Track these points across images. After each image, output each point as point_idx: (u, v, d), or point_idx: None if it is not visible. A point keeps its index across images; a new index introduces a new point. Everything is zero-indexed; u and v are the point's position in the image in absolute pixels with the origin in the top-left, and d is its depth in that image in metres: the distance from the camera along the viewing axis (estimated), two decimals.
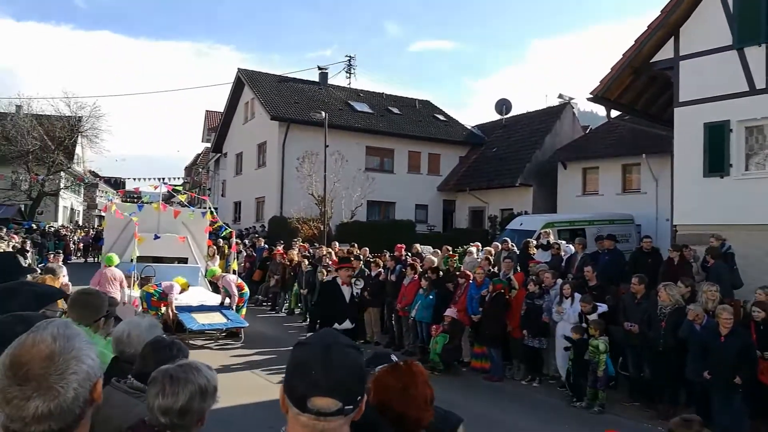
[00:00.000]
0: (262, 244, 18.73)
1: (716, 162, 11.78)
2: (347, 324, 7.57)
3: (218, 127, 34.37)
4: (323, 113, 20.90)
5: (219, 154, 35.77)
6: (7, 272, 3.64)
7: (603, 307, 8.86)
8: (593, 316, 8.54)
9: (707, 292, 7.72)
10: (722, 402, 6.98)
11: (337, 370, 1.48)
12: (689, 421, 1.93)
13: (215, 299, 12.03)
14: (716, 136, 11.80)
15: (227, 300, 11.69)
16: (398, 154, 28.09)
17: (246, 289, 12.44)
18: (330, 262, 13.82)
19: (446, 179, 28.80)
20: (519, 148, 26.08)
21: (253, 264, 17.61)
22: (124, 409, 2.22)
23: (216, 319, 11.09)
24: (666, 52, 12.60)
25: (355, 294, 8.20)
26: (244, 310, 12.19)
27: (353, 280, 8.32)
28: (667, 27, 12.43)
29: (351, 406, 1.50)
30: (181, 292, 11.07)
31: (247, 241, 20.60)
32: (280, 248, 16.06)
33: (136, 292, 11.14)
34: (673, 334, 7.61)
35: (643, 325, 8.08)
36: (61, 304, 3.32)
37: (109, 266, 10.84)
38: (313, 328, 9.08)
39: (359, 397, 1.54)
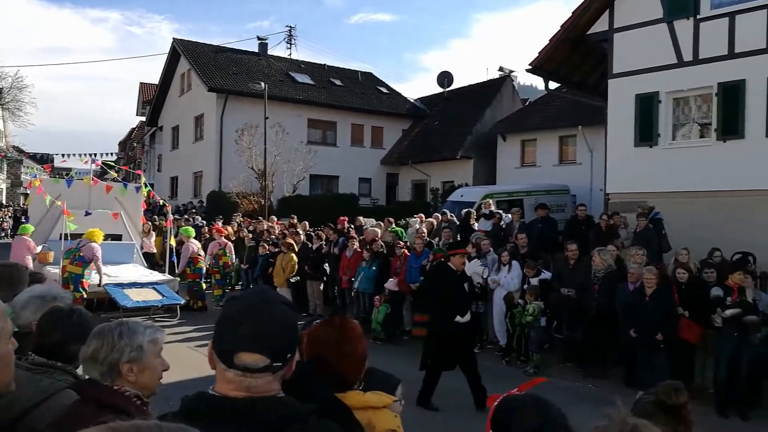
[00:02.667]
0: (200, 220, 18.24)
1: (646, 132, 12.21)
2: (468, 317, 6.82)
3: (153, 100, 32.99)
4: (263, 84, 20.36)
5: (154, 128, 34.41)
6: None
7: (547, 274, 9.11)
8: (534, 281, 8.79)
9: (634, 256, 8.05)
10: (647, 359, 7.35)
11: (265, 326, 1.43)
12: (680, 390, 1.97)
13: (150, 276, 11.67)
14: (646, 107, 12.22)
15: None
16: (341, 126, 27.80)
17: (201, 264, 12.30)
18: (275, 237, 13.66)
19: (389, 152, 28.78)
20: (460, 121, 26.29)
21: None
22: (29, 386, 2.07)
23: (150, 295, 10.75)
24: (601, 25, 12.87)
25: (476, 283, 7.26)
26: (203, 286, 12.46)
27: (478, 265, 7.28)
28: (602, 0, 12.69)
29: (279, 363, 1.45)
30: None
31: (187, 217, 20.00)
32: (218, 224, 15.67)
33: (56, 270, 10.56)
34: (606, 298, 7.92)
35: (578, 290, 8.37)
36: None
37: (24, 235, 10.36)
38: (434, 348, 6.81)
39: (289, 355, 1.49)
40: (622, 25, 12.54)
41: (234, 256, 13.87)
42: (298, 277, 12.09)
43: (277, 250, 12.84)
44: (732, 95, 11.08)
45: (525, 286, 8.80)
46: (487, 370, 8.40)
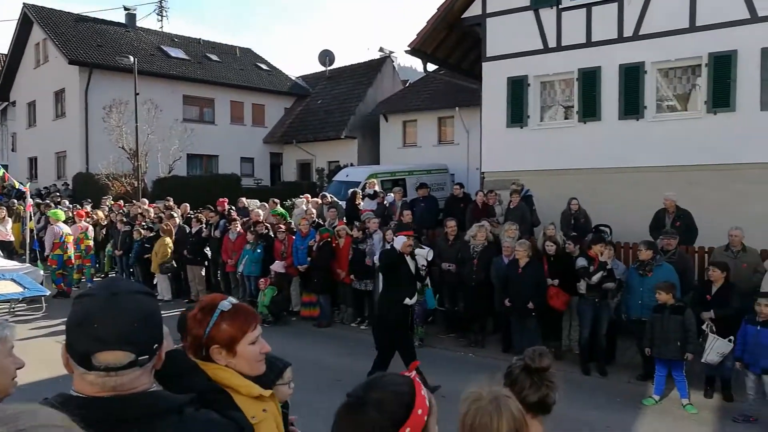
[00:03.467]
0: (66, 204, 16.79)
1: (517, 114, 12.99)
2: (414, 299, 6.76)
3: (2, 72, 29.53)
4: (131, 58, 18.98)
5: (6, 103, 30.90)
6: None
7: (429, 250, 9.43)
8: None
9: (508, 231, 8.59)
10: (520, 326, 7.93)
11: (122, 320, 1.34)
12: (543, 354, 2.15)
13: (7, 266, 10.61)
14: (517, 90, 12.97)
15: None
16: (219, 104, 26.68)
17: (69, 250, 11.41)
18: (150, 220, 12.93)
19: (272, 131, 28.16)
20: (343, 101, 26.31)
21: None
22: None
23: (9, 288, 9.78)
24: (475, 9, 13.39)
25: (421, 266, 6.93)
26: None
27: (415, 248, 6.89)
28: None
29: (147, 356, 1.38)
30: None
31: (48, 201, 18.28)
32: (87, 208, 14.53)
33: None
34: (483, 271, 8.40)
35: (458, 264, 8.80)
36: None
37: None
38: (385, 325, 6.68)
39: (155, 345, 1.42)
40: (494, 11, 13.14)
41: (91, 239, 12.89)
42: (174, 263, 11.61)
43: (152, 234, 12.20)
44: (590, 80, 12.07)
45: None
46: (372, 346, 8.67)
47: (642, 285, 7.07)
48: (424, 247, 8.30)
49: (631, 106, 11.60)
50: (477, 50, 14.26)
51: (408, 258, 6.64)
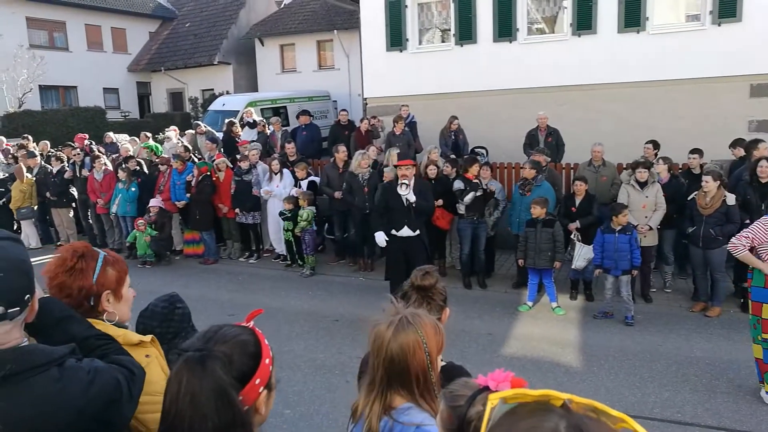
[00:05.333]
0: None
1: (396, 37, 12.87)
2: (406, 231, 6.54)
3: None
4: None
5: None
6: None
7: (315, 178, 9.39)
8: (304, 185, 9.02)
9: (391, 156, 8.69)
10: None
11: None
12: (429, 272, 2.31)
13: None
14: (395, 12, 12.79)
15: None
16: (72, 28, 23.87)
17: None
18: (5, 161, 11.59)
19: (136, 58, 25.84)
20: (214, 23, 24.60)
21: None
22: None
23: None
24: None
25: (411, 201, 6.53)
26: None
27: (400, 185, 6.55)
28: None
29: (17, 308, 1.28)
30: None
31: None
32: None
33: None
34: (373, 197, 8.48)
35: (346, 192, 8.82)
36: None
37: None
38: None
39: (27, 296, 1.31)
40: None
41: None
42: (34, 207, 10.66)
43: (5, 176, 11.01)
44: (465, 2, 12.15)
45: (293, 191, 8.99)
46: (269, 278, 8.67)
47: (521, 203, 7.55)
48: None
49: (505, 28, 11.91)
50: None
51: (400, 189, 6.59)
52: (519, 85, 11.74)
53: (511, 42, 11.90)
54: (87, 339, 1.58)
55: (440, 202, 7.84)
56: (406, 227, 6.58)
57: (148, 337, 1.83)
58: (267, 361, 1.28)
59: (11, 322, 1.27)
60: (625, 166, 8.08)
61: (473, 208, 7.61)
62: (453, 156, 9.46)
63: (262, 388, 1.25)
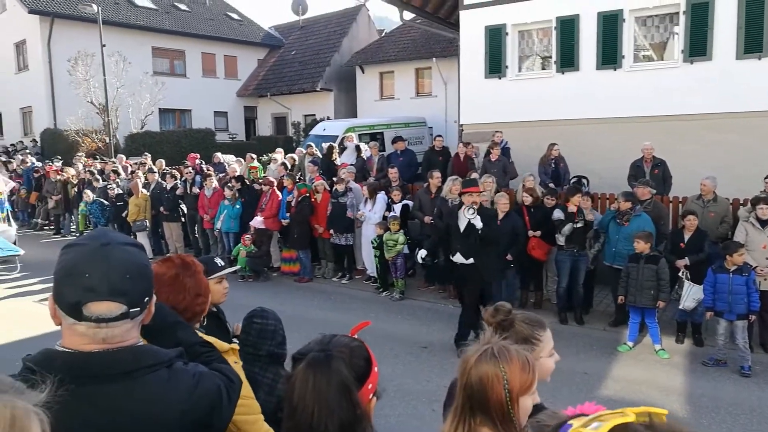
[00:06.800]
0: (33, 162, 16.31)
1: (495, 64, 12.81)
2: (459, 257, 6.44)
3: None
4: (94, 6, 18.15)
5: None
6: None
7: (408, 202, 9.45)
8: (398, 208, 9.08)
9: (485, 183, 8.57)
10: (499, 277, 8.02)
11: (114, 270, 1.31)
12: (498, 309, 2.21)
13: None
14: (495, 39, 12.75)
15: None
16: (190, 56, 25.86)
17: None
18: (126, 177, 12.68)
19: (245, 84, 27.48)
20: (318, 51, 25.68)
21: (25, 185, 15.38)
22: None
23: None
24: None
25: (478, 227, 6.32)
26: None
27: (466, 209, 6.32)
28: None
29: (137, 309, 1.35)
30: None
31: (20, 156, 17.72)
32: (55, 165, 14.15)
33: None
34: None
35: (436, 217, 8.80)
36: None
37: None
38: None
39: (146, 299, 1.39)
40: None
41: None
42: (147, 221, 11.47)
43: (123, 192, 12.03)
44: (568, 29, 11.90)
45: (387, 215, 9.09)
46: (359, 300, 8.79)
47: (618, 234, 7.18)
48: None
49: (609, 55, 11.52)
50: None
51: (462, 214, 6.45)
52: (623, 113, 11.28)
53: (615, 69, 11.48)
54: (193, 346, 1.68)
55: (538, 233, 7.62)
56: (458, 254, 6.42)
57: (233, 346, 1.99)
58: (377, 369, 1.35)
59: (132, 321, 1.35)
60: (742, 202, 7.49)
61: (573, 240, 7.32)
62: (552, 185, 9.19)
63: (372, 395, 1.32)
